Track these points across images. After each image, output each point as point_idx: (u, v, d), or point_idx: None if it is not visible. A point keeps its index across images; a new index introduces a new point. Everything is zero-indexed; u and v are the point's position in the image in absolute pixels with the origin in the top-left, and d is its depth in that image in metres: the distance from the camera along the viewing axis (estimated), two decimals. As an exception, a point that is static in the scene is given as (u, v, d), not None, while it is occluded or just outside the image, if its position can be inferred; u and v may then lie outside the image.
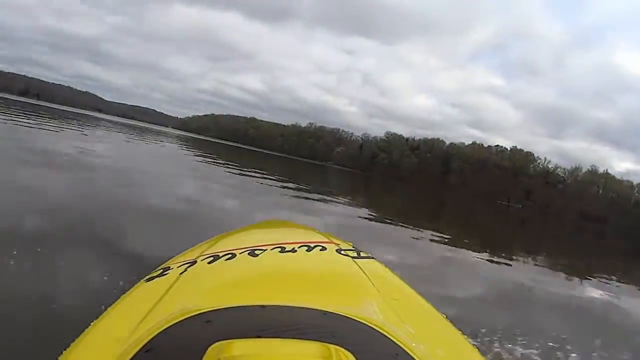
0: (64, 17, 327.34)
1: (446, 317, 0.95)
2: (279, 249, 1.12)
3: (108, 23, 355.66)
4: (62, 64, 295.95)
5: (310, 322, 0.70)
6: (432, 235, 7.79)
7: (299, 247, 1.16)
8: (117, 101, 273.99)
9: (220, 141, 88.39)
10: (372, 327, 0.71)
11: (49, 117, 23.53)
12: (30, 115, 21.79)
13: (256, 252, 1.08)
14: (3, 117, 15.45)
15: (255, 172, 15.50)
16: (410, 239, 7.04)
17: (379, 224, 8.38)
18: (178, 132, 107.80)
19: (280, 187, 11.30)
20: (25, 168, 5.81)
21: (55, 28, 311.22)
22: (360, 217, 8.53)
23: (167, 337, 0.66)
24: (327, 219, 6.94)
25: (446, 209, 22.67)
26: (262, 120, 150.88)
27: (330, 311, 0.74)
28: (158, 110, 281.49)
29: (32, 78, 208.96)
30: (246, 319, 0.71)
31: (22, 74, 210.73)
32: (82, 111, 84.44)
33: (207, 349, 0.57)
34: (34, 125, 14.52)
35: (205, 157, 19.39)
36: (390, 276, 1.15)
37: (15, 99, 64.21)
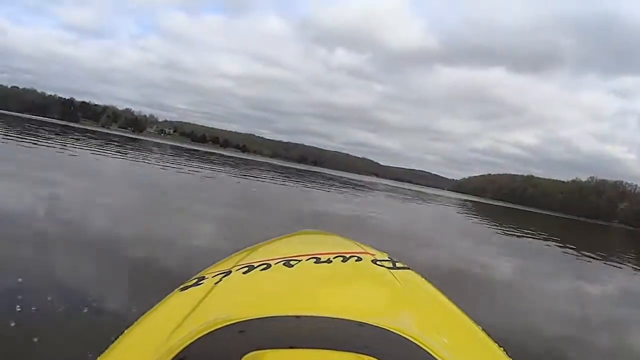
0: (333, 90, 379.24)
1: (483, 329, 0.91)
2: (314, 260, 1.11)
3: (376, 92, 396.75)
4: (337, 133, 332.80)
5: (345, 333, 0.69)
6: None
7: (334, 258, 1.15)
8: (392, 165, 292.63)
9: (497, 203, 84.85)
10: (407, 339, 0.70)
11: (324, 182, 25.93)
12: (305, 180, 25.20)
13: (291, 262, 1.08)
14: (294, 182, 19.65)
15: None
16: None
17: None
18: (454, 194, 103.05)
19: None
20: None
21: (327, 100, 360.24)
22: None
23: (201, 346, 0.66)
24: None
25: None
26: (539, 178, 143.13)
27: (366, 322, 0.72)
28: (433, 173, 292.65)
29: (309, 146, 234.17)
30: (280, 330, 0.70)
31: (300, 142, 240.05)
32: (359, 177, 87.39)
33: (240, 359, 0.58)
34: (321, 189, 17.56)
35: (485, 221, 18.45)
36: (426, 287, 1.12)
37: (291, 165, 69.91)
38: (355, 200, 16.26)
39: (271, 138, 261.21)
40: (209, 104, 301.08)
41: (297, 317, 0.73)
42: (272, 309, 0.76)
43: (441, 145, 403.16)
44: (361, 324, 0.72)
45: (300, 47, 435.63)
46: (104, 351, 0.74)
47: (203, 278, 1.03)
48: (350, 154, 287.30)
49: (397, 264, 1.19)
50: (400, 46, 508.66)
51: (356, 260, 1.17)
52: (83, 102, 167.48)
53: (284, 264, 1.07)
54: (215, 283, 0.97)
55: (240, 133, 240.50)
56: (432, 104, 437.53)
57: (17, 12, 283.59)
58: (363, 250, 1.31)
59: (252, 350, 0.59)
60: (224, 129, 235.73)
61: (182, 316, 0.80)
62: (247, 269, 1.04)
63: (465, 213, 23.56)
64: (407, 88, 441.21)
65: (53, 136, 22.53)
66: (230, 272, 1.04)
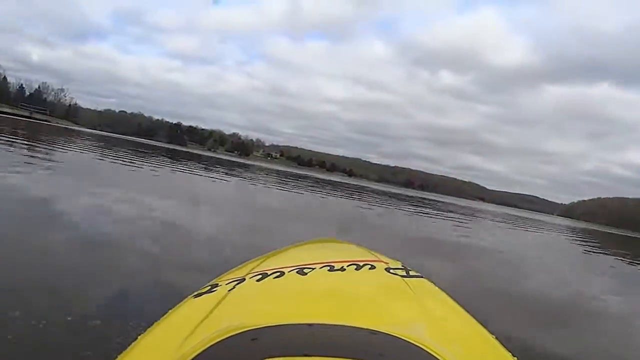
0: (438, 113, 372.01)
1: (496, 338, 0.89)
2: (328, 268, 1.12)
3: (481, 113, 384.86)
4: (443, 156, 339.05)
5: (358, 341, 0.70)
6: None
7: (347, 266, 1.15)
8: (499, 189, 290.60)
9: (611, 230, 77.62)
10: (421, 347, 0.70)
11: (432, 208, 24.79)
12: (418, 205, 24.16)
13: (305, 270, 1.08)
14: (408, 208, 19.13)
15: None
16: None
17: None
18: (565, 221, 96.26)
19: None
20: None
21: (432, 123, 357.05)
22: None
23: (214, 353, 0.66)
24: None
25: None
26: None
27: (379, 330, 0.73)
28: (541, 197, 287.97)
29: (415, 170, 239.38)
30: (293, 338, 0.70)
31: (407, 167, 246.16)
32: (466, 202, 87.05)
33: None
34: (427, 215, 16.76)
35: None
36: (440, 295, 1.11)
37: (398, 191, 68.80)
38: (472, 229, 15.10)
39: (378, 162, 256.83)
40: (315, 128, 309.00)
41: (310, 325, 0.74)
42: (285, 317, 0.77)
43: (549, 168, 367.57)
44: (374, 332, 0.72)
45: (403, 70, 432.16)
46: (117, 357, 0.74)
47: (217, 285, 1.04)
48: (457, 177, 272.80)
49: (411, 272, 1.18)
50: (503, 65, 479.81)
51: (370, 269, 1.17)
52: (190, 126, 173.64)
53: (297, 272, 1.07)
54: (229, 290, 0.98)
55: (347, 157, 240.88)
56: (539, 124, 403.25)
57: (125, 42, 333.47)
58: (376, 259, 1.31)
59: (265, 358, 0.60)
60: (330, 153, 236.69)
61: (195, 323, 0.80)
62: (260, 276, 1.05)
63: (585, 244, 19.96)
64: (513, 108, 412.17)
65: (168, 159, 23.25)
66: (244, 279, 1.06)
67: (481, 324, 0.94)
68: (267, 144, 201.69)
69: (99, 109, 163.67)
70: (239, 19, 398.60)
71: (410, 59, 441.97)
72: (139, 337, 0.80)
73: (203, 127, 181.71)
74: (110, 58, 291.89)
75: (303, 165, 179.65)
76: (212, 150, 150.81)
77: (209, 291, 0.99)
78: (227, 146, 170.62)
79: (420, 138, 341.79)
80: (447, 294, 1.11)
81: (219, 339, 0.68)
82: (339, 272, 1.10)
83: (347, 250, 1.55)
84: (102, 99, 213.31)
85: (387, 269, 1.19)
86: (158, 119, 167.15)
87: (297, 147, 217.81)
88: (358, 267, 1.16)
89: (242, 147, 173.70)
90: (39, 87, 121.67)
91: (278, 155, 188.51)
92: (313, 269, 1.09)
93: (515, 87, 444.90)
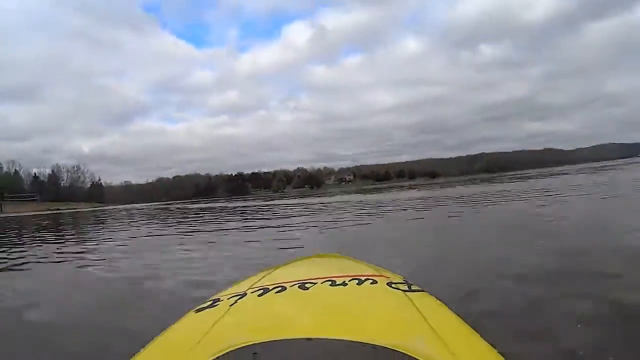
0: (491, 89, 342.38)
1: (500, 352, 0.88)
2: (330, 283, 1.11)
3: (532, 76, 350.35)
4: (508, 132, 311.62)
5: (359, 356, 0.72)
6: None
7: (349, 281, 1.14)
8: (577, 147, 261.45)
9: None
10: None
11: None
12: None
13: (306, 285, 1.08)
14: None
15: None
16: None
17: None
18: None
19: None
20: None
21: (487, 102, 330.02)
22: None
23: None
24: None
25: None
26: None
27: (380, 345, 0.73)
28: (618, 142, 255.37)
29: (490, 153, 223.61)
30: (294, 352, 0.72)
31: (480, 152, 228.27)
32: (544, 169, 76.41)
33: None
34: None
35: None
36: (442, 310, 1.09)
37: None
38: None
39: (449, 156, 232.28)
40: (375, 142, 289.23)
41: (310, 339, 0.74)
42: (286, 332, 0.78)
43: (615, 110, 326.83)
44: (375, 347, 0.72)
45: (443, 57, 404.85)
46: None
47: (218, 300, 1.04)
48: (531, 148, 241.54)
49: (413, 287, 1.17)
50: (537, 19, 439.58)
51: (371, 283, 1.15)
52: (252, 172, 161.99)
53: (299, 287, 1.06)
54: (231, 305, 0.98)
55: (417, 160, 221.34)
56: (593, 69, 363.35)
57: (168, 113, 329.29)
58: (378, 274, 1.30)
59: None
60: (398, 161, 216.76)
61: (197, 337, 0.80)
62: (262, 291, 1.05)
63: None
64: (561, 61, 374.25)
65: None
66: (245, 294, 1.06)
67: (482, 337, 0.93)
68: (336, 169, 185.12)
69: (134, 182, 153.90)
70: (269, 59, 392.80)
71: (446, 45, 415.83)
72: (140, 351, 0.79)
73: (266, 171, 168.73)
74: (159, 130, 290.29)
75: (381, 180, 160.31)
76: (280, 191, 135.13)
77: (211, 306, 0.99)
78: (295, 182, 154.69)
79: (480, 120, 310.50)
80: (449, 308, 1.09)
81: (220, 354, 0.69)
82: (341, 286, 1.09)
83: (349, 265, 1.54)
84: (160, 172, 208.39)
85: (389, 284, 1.17)
86: (216, 175, 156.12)
87: (364, 165, 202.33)
88: (360, 282, 1.13)
89: (311, 179, 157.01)
90: (52, 171, 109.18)
91: (352, 178, 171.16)
92: (315, 283, 1.08)
93: (557, 37, 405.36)
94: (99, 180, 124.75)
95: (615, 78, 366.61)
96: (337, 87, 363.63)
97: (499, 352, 0.88)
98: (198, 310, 0.99)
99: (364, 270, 1.35)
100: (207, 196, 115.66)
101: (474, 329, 0.97)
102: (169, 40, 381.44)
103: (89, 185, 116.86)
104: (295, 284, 1.08)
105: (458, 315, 1.05)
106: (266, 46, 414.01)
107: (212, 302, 1.03)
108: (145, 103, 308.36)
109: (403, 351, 0.71)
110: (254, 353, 0.69)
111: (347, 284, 1.11)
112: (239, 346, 0.71)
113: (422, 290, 1.16)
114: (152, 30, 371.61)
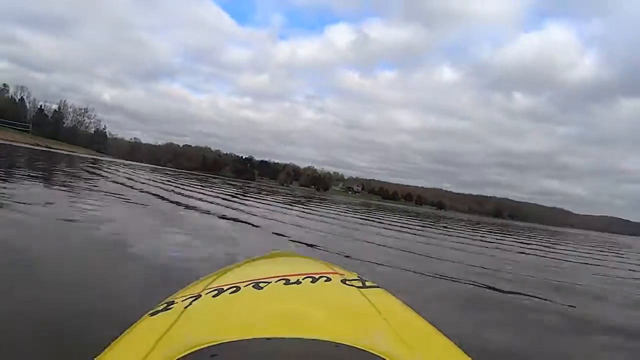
0: (515, 137, 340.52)
1: (457, 344, 0.89)
2: (284, 281, 1.11)
3: (558, 135, 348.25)
4: (523, 182, 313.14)
5: (319, 354, 0.71)
6: None
7: (303, 279, 1.14)
8: (583, 213, 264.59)
9: None
10: (381, 357, 0.70)
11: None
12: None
13: (260, 284, 1.08)
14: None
15: None
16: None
17: None
18: None
19: None
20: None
21: (509, 148, 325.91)
22: None
23: None
24: None
25: None
26: None
27: (340, 342, 0.73)
28: (624, 219, 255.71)
29: (501, 198, 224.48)
30: (253, 352, 0.72)
31: (492, 195, 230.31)
32: (551, 227, 79.01)
33: None
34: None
35: None
36: (397, 305, 1.11)
37: (494, 220, 62.29)
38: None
39: (458, 191, 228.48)
40: (390, 161, 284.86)
41: (269, 339, 0.74)
42: (243, 332, 0.77)
43: (630, 187, 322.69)
44: (337, 345, 0.72)
45: (475, 94, 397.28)
46: None
47: (172, 302, 1.02)
48: (540, 203, 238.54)
49: (367, 283, 1.17)
50: (576, 81, 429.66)
51: (325, 281, 1.16)
52: (263, 160, 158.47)
53: (253, 286, 1.06)
54: (185, 307, 0.96)
55: (426, 188, 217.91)
56: (617, 142, 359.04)
57: (196, 82, 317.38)
58: (332, 271, 1.30)
59: None
60: (408, 184, 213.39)
61: (153, 341, 0.79)
62: (216, 292, 1.05)
63: None
64: (589, 127, 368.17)
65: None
66: (200, 295, 1.04)
67: (439, 329, 0.94)
68: (345, 177, 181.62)
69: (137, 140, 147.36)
70: (306, 53, 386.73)
71: (481, 83, 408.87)
72: (96, 358, 0.77)
73: (276, 161, 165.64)
74: (183, 97, 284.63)
75: (388, 198, 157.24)
76: (285, 185, 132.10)
77: (165, 309, 0.98)
78: (302, 180, 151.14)
79: (498, 164, 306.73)
80: (404, 303, 1.10)
81: (177, 357, 0.67)
82: (295, 285, 1.09)
83: (303, 264, 1.55)
84: (177, 137, 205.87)
85: (343, 281, 1.17)
86: (227, 153, 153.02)
87: (374, 180, 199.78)
88: (314, 280, 1.14)
89: (319, 181, 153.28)
90: (58, 107, 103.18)
91: (360, 189, 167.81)
92: (269, 282, 1.08)
93: (591, 104, 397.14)
94: (104, 128, 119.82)
95: (633, 157, 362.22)
96: (366, 97, 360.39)
97: (453, 342, 0.88)
98: (153, 314, 0.96)
99: (318, 267, 1.37)
100: (212, 171, 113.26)
101: (431, 323, 0.96)
102: (213, 10, 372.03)
103: (92, 132, 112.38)
104: (250, 284, 1.07)
105: (414, 310, 1.05)
106: (306, 39, 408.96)
107: (166, 305, 1.01)
108: (175, 66, 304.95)
109: (362, 347, 0.71)
110: (212, 355, 0.67)
111: (301, 282, 1.11)
112: (197, 348, 0.70)
113: (377, 286, 1.16)
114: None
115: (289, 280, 1.11)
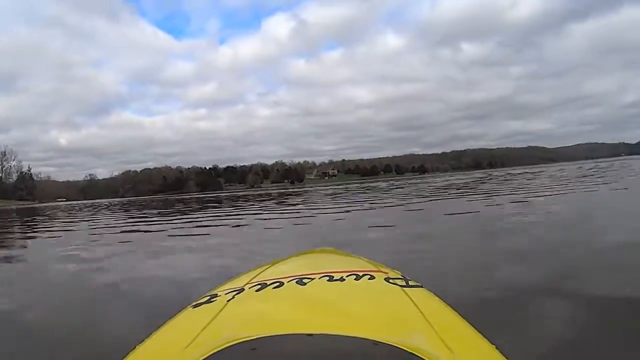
0: (472, 88, 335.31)
1: (497, 348, 0.87)
2: (327, 278, 1.11)
3: (514, 76, 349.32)
4: (489, 130, 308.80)
5: (360, 352, 0.72)
6: None
7: (347, 276, 1.14)
8: (560, 146, 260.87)
9: None
10: (421, 358, 0.70)
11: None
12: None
13: (304, 280, 1.08)
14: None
15: None
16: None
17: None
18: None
19: None
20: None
21: (469, 100, 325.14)
22: None
23: None
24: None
25: None
26: None
27: (380, 341, 0.73)
28: (600, 142, 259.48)
29: (476, 149, 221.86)
30: (293, 348, 0.73)
31: (466, 148, 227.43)
32: (531, 168, 71.52)
33: None
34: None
35: None
36: (439, 305, 1.09)
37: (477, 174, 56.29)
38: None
39: (431, 152, 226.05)
40: (356, 138, 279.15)
41: (310, 335, 0.74)
42: (284, 327, 0.78)
43: (594, 110, 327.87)
44: (376, 343, 0.73)
45: (424, 55, 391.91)
46: None
47: (215, 295, 1.04)
48: (512, 146, 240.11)
49: (410, 282, 1.17)
50: (522, 18, 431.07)
51: (369, 279, 1.16)
52: (227, 166, 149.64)
53: (296, 282, 1.07)
54: (228, 300, 0.98)
55: (398, 156, 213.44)
56: (573, 70, 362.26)
57: (147, 105, 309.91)
58: (376, 269, 1.29)
59: None
60: (380, 156, 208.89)
61: (194, 333, 0.80)
62: (259, 286, 1.05)
63: None
64: (543, 61, 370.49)
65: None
66: (243, 289, 1.06)
67: (480, 332, 0.93)
68: (317, 164, 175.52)
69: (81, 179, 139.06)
70: (248, 52, 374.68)
71: (428, 42, 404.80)
72: (136, 347, 0.78)
73: (243, 164, 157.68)
74: (137, 123, 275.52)
75: (366, 175, 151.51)
76: (256, 186, 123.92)
77: (208, 301, 0.99)
78: (273, 177, 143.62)
79: (461, 118, 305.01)
80: (447, 303, 1.09)
81: (217, 349, 0.69)
82: (339, 282, 1.09)
83: (347, 261, 1.55)
84: (136, 165, 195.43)
85: (387, 279, 1.16)
86: (189, 168, 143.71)
87: (345, 160, 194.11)
88: (357, 277, 1.14)
89: (291, 173, 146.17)
90: None
91: (336, 172, 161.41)
92: (312, 279, 1.09)
93: (541, 37, 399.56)
94: (29, 170, 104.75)
95: (593, 80, 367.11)
96: (317, 81, 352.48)
97: (494, 345, 0.86)
98: (195, 306, 0.98)
99: (362, 265, 1.35)
100: (175, 190, 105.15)
101: (472, 324, 0.95)
102: (148, 30, 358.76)
103: (14, 178, 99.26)
104: (293, 279, 1.07)
105: (456, 310, 1.04)
106: (246, 39, 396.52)
107: (209, 297, 1.02)
108: (124, 94, 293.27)
109: (402, 347, 0.71)
110: (252, 349, 0.69)
111: (344, 280, 1.10)
112: (237, 341, 0.71)
113: (420, 286, 1.15)
114: (130, 19, 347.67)
115: (333, 277, 1.10)
